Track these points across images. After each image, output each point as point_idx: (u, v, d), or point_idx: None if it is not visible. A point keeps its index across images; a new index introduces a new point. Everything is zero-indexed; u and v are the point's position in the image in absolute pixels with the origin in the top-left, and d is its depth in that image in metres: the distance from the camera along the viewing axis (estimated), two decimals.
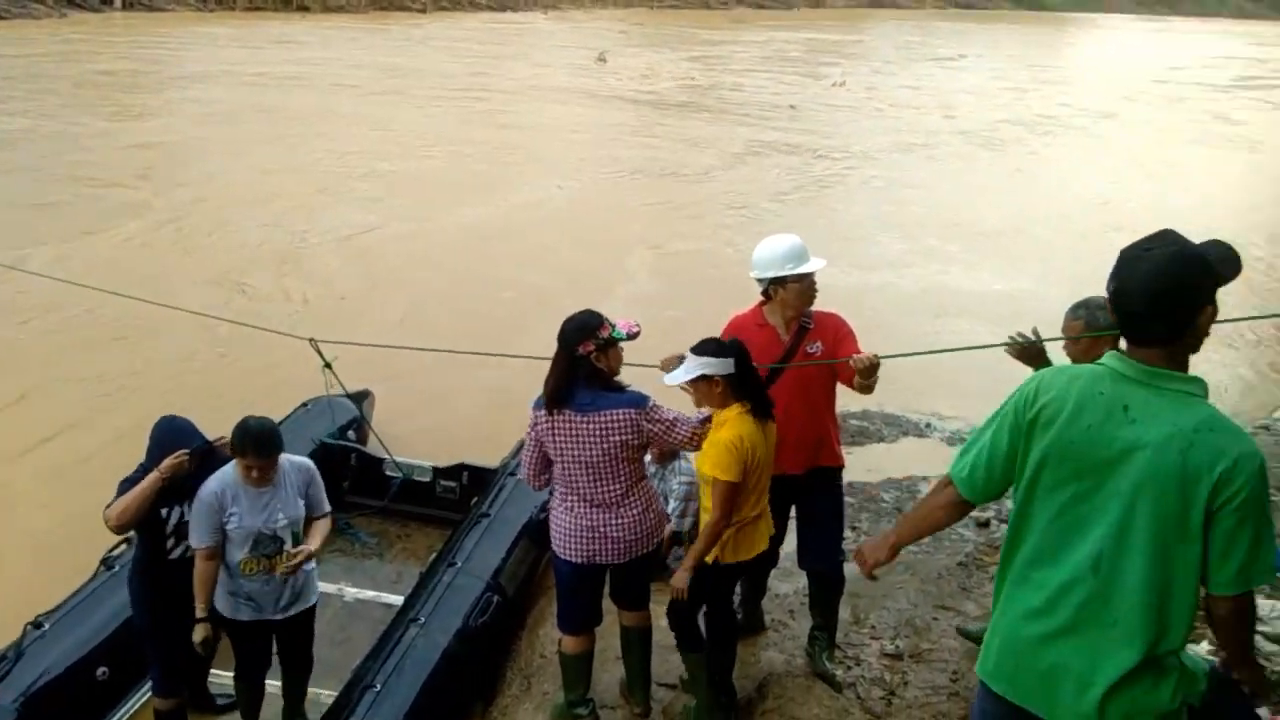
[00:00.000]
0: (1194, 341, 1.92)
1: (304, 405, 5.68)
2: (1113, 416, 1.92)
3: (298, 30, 33.53)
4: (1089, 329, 3.15)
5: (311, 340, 4.76)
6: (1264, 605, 4.06)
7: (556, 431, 3.35)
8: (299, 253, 10.70)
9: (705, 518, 3.36)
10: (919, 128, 19.82)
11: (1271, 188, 16.39)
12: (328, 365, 4.87)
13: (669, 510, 4.74)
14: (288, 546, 3.43)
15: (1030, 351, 3.27)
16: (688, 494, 4.76)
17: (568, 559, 3.50)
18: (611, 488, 3.40)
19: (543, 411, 3.37)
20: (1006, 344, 3.31)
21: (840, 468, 3.90)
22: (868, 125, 19.91)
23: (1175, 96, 26.28)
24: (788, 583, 4.57)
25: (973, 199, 14.06)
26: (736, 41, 36.61)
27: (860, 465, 6.48)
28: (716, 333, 3.55)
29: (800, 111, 21.28)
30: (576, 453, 3.35)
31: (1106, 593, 1.94)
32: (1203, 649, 3.74)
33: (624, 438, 3.32)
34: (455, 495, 5.41)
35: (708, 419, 3.39)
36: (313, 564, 3.62)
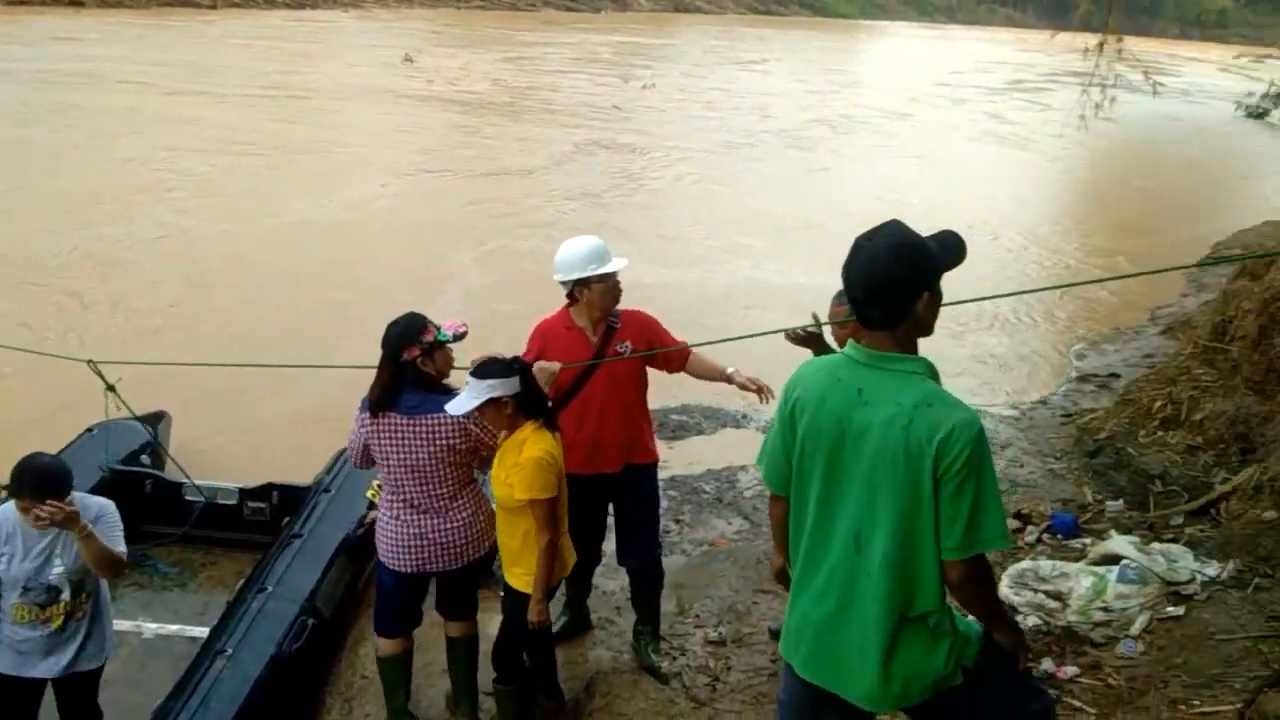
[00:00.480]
0: (919, 326, 2.07)
1: (89, 431, 5.24)
2: (850, 400, 2.05)
3: (76, 26, 30.91)
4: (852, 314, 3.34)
5: (90, 362, 4.40)
6: (1044, 565, 4.43)
7: (381, 435, 3.29)
8: (106, 260, 9.91)
9: (511, 544, 3.31)
10: (734, 128, 20.45)
11: (1041, 181, 17.93)
12: (110, 388, 4.53)
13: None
14: (65, 596, 3.11)
15: (809, 338, 3.41)
16: None
17: (396, 569, 3.41)
18: (439, 492, 3.36)
19: (367, 414, 3.31)
20: (786, 330, 3.45)
21: (654, 463, 3.97)
22: (686, 126, 20.37)
23: (957, 98, 28.26)
24: (614, 580, 4.60)
25: (782, 195, 14.64)
26: (548, 43, 36.62)
27: (681, 459, 6.62)
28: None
29: (621, 112, 21.53)
30: (402, 456, 3.29)
31: (868, 567, 2.05)
32: None
33: (451, 441, 3.29)
34: (265, 517, 5.13)
35: None
36: (109, 620, 3.31)
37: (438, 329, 3.31)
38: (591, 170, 15.71)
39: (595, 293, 3.63)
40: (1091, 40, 11.99)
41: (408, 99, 21.20)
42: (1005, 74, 36.14)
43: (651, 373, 3.88)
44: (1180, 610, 3.98)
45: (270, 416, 6.81)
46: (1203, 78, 37.51)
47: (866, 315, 2.06)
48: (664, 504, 5.78)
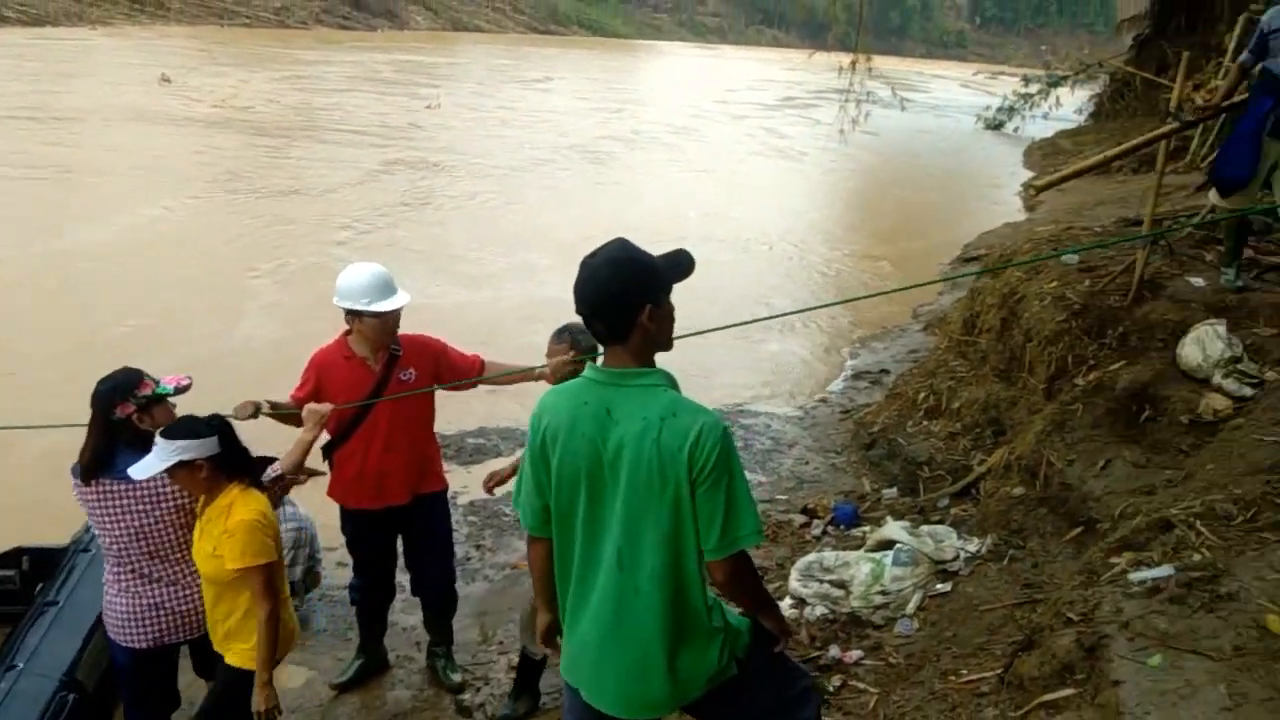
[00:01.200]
0: (652, 340, 2.12)
1: None
2: (601, 421, 2.08)
3: None
4: (575, 350, 3.35)
5: None
6: (829, 556, 4.67)
7: (99, 503, 2.97)
8: None
9: (227, 623, 2.99)
10: (527, 145, 20.41)
11: (813, 192, 19.01)
12: None
13: None
14: None
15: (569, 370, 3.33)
16: (296, 540, 4.50)
17: (131, 645, 3.09)
18: (173, 558, 3.07)
19: (78, 481, 2.98)
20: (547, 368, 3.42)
21: (444, 490, 3.89)
22: (479, 144, 20.15)
23: (736, 115, 29.51)
24: (412, 615, 4.46)
25: (573, 211, 14.74)
26: (327, 61, 35.28)
27: (480, 482, 6.51)
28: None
29: (414, 131, 21.04)
30: (126, 524, 2.98)
31: (635, 584, 2.09)
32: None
33: (179, 501, 3.02)
34: (15, 585, 4.61)
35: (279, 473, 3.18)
36: None
37: (156, 382, 3.05)
38: (385, 190, 15.27)
39: (369, 327, 3.51)
40: (846, 60, 12.94)
41: (185, 120, 19.84)
42: (777, 91, 38.13)
43: (450, 396, 3.80)
44: (948, 586, 4.31)
45: (11, 475, 6.14)
46: (947, 93, 41.05)
47: (595, 330, 2.13)
48: (465, 530, 5.69)
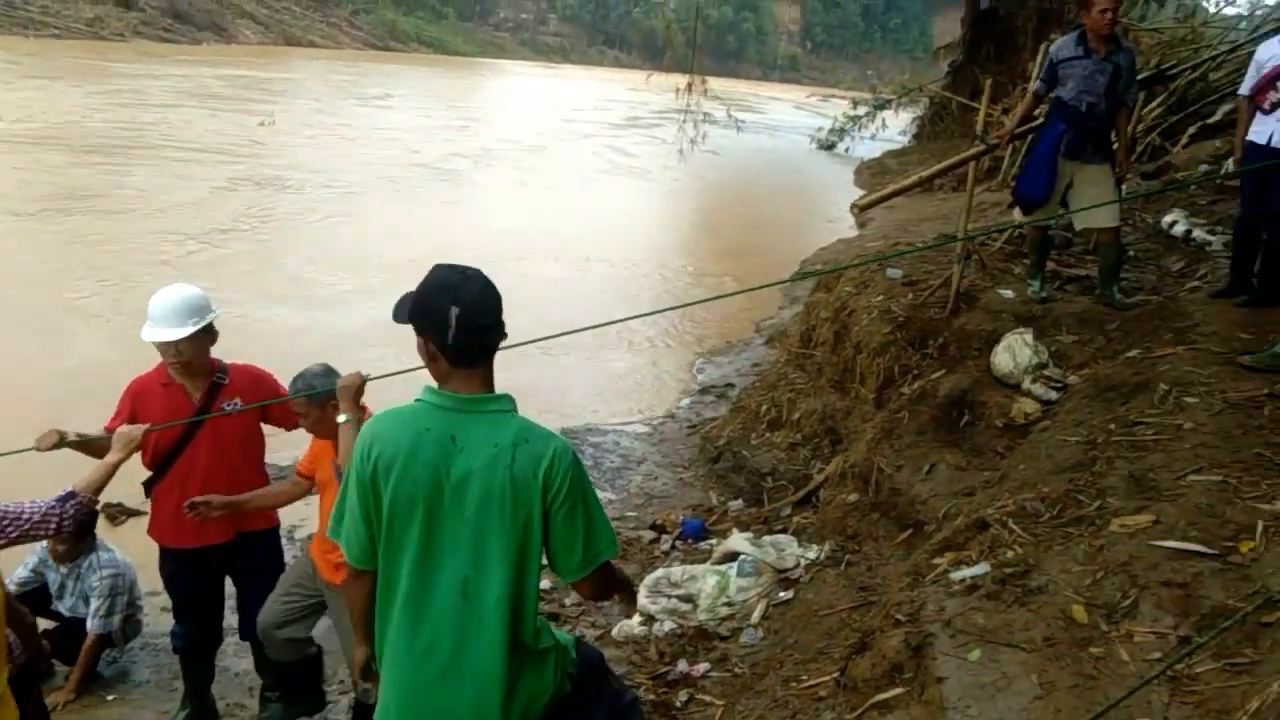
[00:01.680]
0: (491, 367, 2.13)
1: None
2: (445, 449, 2.02)
3: None
4: (309, 394, 3.21)
5: None
6: (676, 571, 4.72)
7: None
8: None
9: None
10: (372, 162, 19.87)
11: (659, 210, 19.33)
12: None
13: (92, 610, 4.17)
14: None
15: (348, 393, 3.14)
16: (113, 588, 4.20)
17: None
18: None
19: None
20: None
21: (274, 527, 3.70)
22: (326, 161, 19.42)
23: (583, 133, 29.72)
24: (244, 659, 4.23)
25: (419, 230, 14.43)
26: (151, 75, 33.34)
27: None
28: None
29: (257, 146, 20.13)
30: None
31: (480, 612, 2.04)
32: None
33: None
34: None
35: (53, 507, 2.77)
36: None
37: None
38: (223, 208, 14.52)
39: (161, 352, 3.33)
40: (683, 81, 13.26)
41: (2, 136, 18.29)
42: (622, 110, 38.65)
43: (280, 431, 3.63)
44: (790, 594, 4.43)
45: None
46: (783, 115, 42.67)
47: (474, 351, 2.06)
48: None
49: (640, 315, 8.93)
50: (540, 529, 2.04)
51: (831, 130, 27.08)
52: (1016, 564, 3.02)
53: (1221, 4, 20.30)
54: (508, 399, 2.11)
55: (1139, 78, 6.10)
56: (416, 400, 2.11)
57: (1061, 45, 5.18)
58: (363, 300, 10.75)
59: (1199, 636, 2.48)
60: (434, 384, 2.11)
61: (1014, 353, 4.90)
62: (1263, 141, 4.81)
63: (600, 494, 6.75)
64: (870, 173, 21.42)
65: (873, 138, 25.19)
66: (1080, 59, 5.06)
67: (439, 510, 2.03)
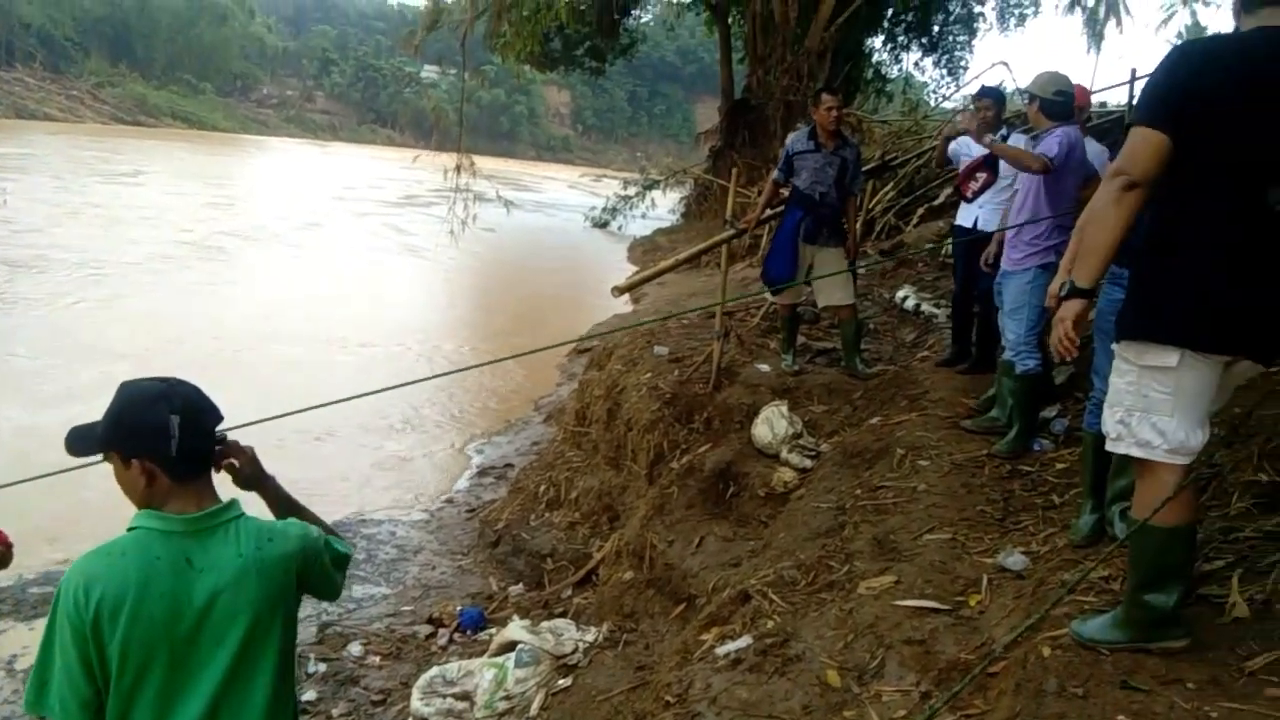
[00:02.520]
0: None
1: None
2: (182, 576, 1.86)
3: None
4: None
5: None
6: (451, 668, 4.55)
7: None
8: None
9: None
10: (128, 242, 18.43)
11: (436, 288, 19.09)
12: None
13: None
14: None
15: None
16: None
17: None
18: None
19: None
20: None
21: None
22: (74, 241, 17.81)
23: (358, 211, 29.02)
24: None
25: (170, 314, 13.47)
26: None
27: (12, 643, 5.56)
28: None
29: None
30: None
31: None
32: None
33: None
34: None
35: None
36: None
37: None
38: None
39: None
40: (453, 160, 13.32)
41: None
42: (398, 189, 38.11)
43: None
44: (569, 680, 4.36)
45: None
46: (558, 193, 43.62)
47: (200, 459, 1.94)
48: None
49: (397, 386, 8.73)
50: (295, 619, 2.02)
51: (604, 209, 27.94)
52: (776, 634, 3.14)
53: (940, 100, 22.91)
54: (236, 504, 1.98)
55: (868, 167, 6.71)
56: (130, 530, 1.90)
57: (796, 139, 5.65)
58: (101, 395, 9.86)
59: (938, 691, 2.66)
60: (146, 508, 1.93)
61: (771, 424, 5.16)
62: (968, 225, 5.40)
63: (374, 589, 6.52)
64: (642, 250, 22.20)
65: (644, 216, 26.20)
66: (812, 152, 5.53)
67: (182, 644, 1.85)
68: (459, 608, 5.84)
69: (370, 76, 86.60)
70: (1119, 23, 38.42)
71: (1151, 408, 2.29)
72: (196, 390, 1.95)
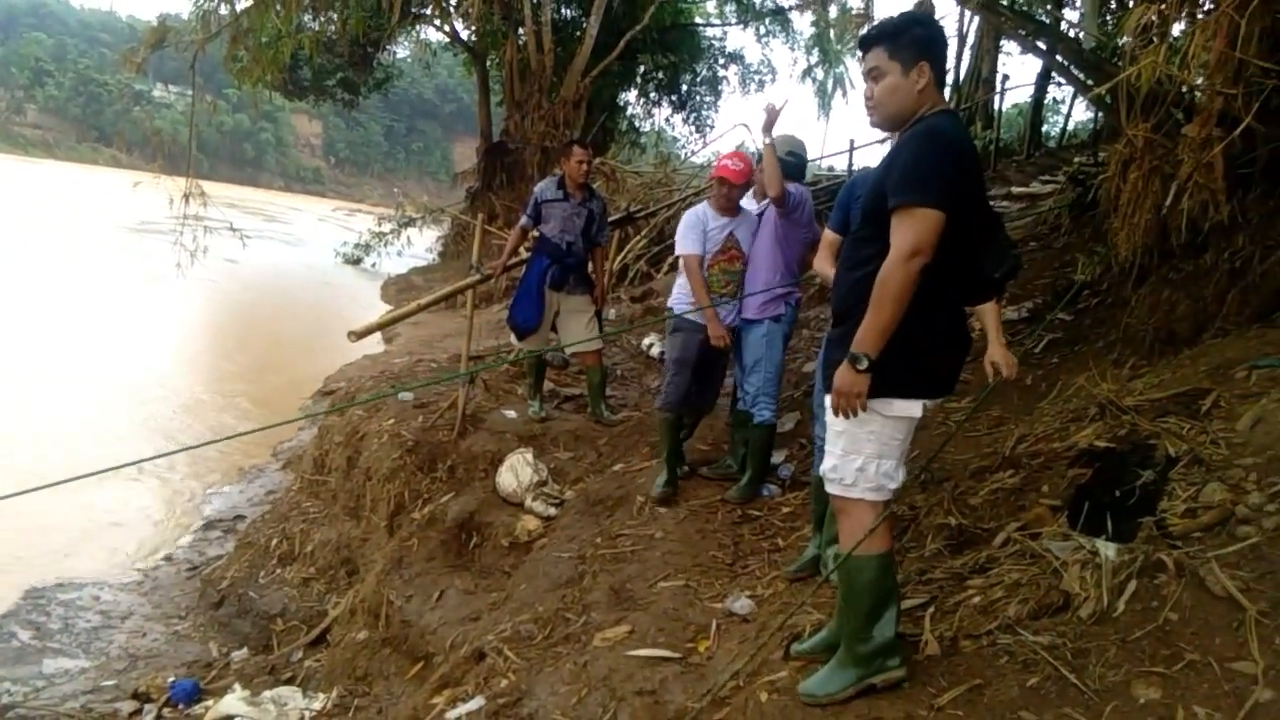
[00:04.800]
0: None
1: None
2: None
3: None
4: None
5: None
6: None
7: None
8: None
9: None
10: None
11: (173, 322, 17.53)
12: None
13: None
14: None
15: None
16: None
17: None
18: None
19: None
20: None
21: None
22: None
23: (85, 236, 26.34)
24: None
25: None
26: None
27: None
28: None
29: None
30: None
31: None
32: None
33: None
34: None
35: None
36: None
37: None
38: None
39: None
40: (181, 185, 12.32)
41: None
42: (132, 213, 34.90)
43: None
44: None
45: None
46: (308, 227, 41.62)
47: None
48: None
49: (113, 468, 7.91)
50: None
51: (358, 245, 26.95)
52: (510, 693, 3.06)
53: (690, 154, 24.10)
54: None
55: (615, 217, 6.88)
56: None
57: (544, 187, 5.69)
58: None
59: None
60: None
61: (516, 472, 5.11)
62: None
63: (70, 662, 5.80)
64: (397, 288, 21.58)
65: (399, 254, 25.50)
66: (561, 201, 5.58)
67: None
68: (171, 679, 5.29)
69: (93, 91, 78.98)
70: (845, 95, 42.09)
71: (888, 454, 2.49)
72: None
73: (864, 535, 2.45)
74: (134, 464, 8.20)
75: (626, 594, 3.53)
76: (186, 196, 8.77)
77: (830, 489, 2.58)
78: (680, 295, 4.59)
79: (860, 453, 2.50)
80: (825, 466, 2.58)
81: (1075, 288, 5.18)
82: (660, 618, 3.32)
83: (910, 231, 2.30)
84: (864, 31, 2.53)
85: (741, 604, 3.32)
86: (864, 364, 2.34)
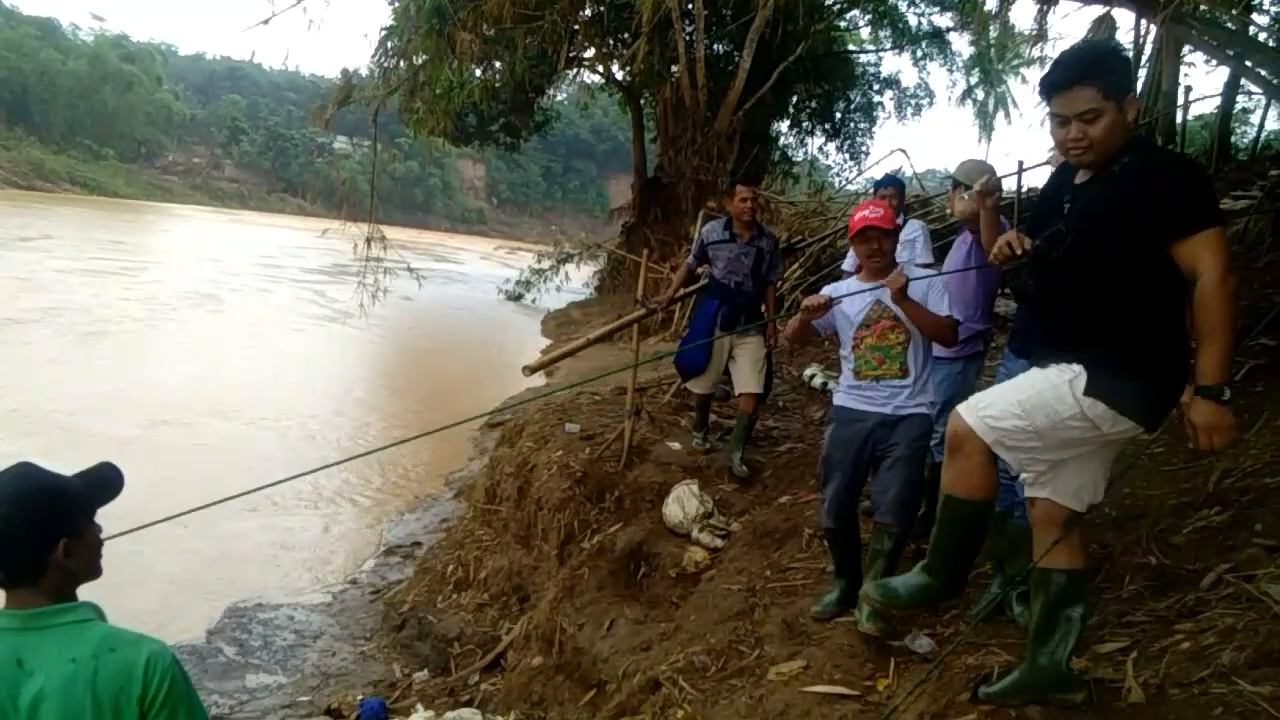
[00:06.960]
0: (71, 575, 1.89)
1: None
2: (8, 677, 1.77)
3: None
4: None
5: None
6: None
7: None
8: None
9: None
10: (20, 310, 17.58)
11: (355, 359, 18.72)
12: None
13: None
14: None
15: None
16: None
17: None
18: None
19: None
20: None
21: None
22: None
23: (281, 278, 28.47)
24: None
25: (74, 385, 12.84)
26: None
27: None
28: None
29: None
30: None
31: None
32: None
33: None
34: None
35: None
36: None
37: None
38: None
39: None
40: (364, 231, 13.22)
41: None
42: (315, 258, 37.52)
43: None
44: None
45: None
46: (474, 265, 43.55)
47: (14, 564, 1.82)
48: None
49: (307, 472, 8.46)
50: None
51: (519, 282, 27.97)
52: None
53: (845, 183, 23.80)
54: (87, 607, 1.87)
55: None
56: None
57: (711, 229, 5.73)
58: None
59: None
60: (76, 596, 1.86)
61: (683, 503, 5.16)
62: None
63: (269, 678, 6.22)
64: (556, 323, 22.23)
65: (558, 289, 26.30)
66: (727, 242, 5.62)
67: None
68: (359, 697, 5.60)
69: (281, 146, 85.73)
70: (1007, 115, 40.57)
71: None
72: (13, 507, 1.80)
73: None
74: (317, 470, 8.76)
75: (800, 628, 3.50)
76: (369, 241, 9.39)
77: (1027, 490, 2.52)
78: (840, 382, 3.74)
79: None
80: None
81: (1277, 309, 4.82)
82: (835, 653, 3.28)
83: (1222, 254, 2.31)
84: (1057, 71, 2.44)
85: (921, 642, 3.24)
86: (1226, 394, 2.29)
